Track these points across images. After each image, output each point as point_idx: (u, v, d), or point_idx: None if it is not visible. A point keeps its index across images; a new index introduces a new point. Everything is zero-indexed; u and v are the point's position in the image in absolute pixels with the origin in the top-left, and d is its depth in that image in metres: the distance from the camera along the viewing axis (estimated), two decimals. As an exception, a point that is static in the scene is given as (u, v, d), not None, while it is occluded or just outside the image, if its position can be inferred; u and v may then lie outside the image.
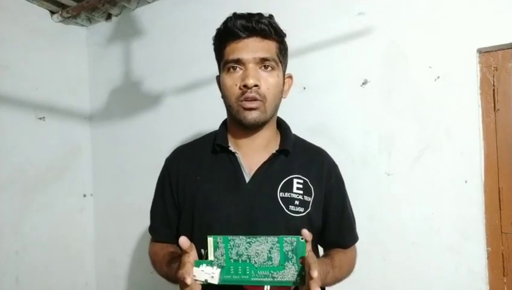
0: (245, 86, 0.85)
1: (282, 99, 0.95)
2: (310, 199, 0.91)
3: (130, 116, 1.98)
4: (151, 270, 1.91)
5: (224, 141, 0.94)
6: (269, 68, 0.88)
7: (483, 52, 1.23)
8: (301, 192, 0.90)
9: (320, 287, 0.80)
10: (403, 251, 1.32)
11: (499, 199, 1.21)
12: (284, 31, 0.93)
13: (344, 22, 1.43)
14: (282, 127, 1.00)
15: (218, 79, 0.95)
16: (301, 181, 0.91)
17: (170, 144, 1.84)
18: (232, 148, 0.93)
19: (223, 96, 0.92)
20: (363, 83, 1.40)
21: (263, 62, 0.87)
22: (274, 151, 0.92)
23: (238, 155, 0.92)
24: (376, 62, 1.38)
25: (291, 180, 0.91)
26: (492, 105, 1.22)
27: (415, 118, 1.32)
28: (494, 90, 1.22)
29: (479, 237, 1.21)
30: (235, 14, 0.90)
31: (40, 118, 1.91)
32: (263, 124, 0.91)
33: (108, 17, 2.06)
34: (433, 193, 1.28)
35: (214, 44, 0.95)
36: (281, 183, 0.90)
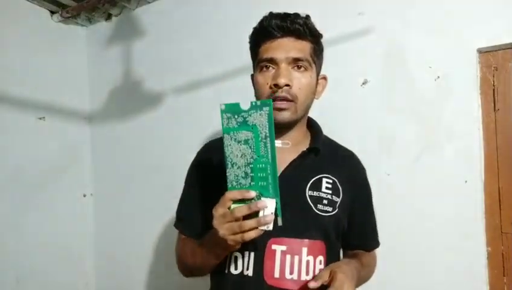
0: (276, 85, 0.84)
1: (315, 100, 0.96)
2: (338, 200, 0.91)
3: (130, 116, 1.98)
4: (151, 271, 1.92)
5: None
6: (302, 68, 0.87)
7: (483, 52, 1.23)
8: (330, 192, 0.90)
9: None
10: (403, 250, 1.32)
11: (499, 199, 1.21)
12: (320, 32, 0.93)
13: (344, 22, 1.43)
14: (313, 126, 1.00)
15: (253, 78, 0.95)
16: (330, 181, 0.91)
17: (170, 144, 1.85)
18: None
19: (255, 95, 0.92)
20: (363, 83, 1.40)
21: (296, 62, 0.87)
22: (304, 150, 0.92)
23: None
24: (376, 62, 1.38)
25: (320, 179, 0.90)
26: (492, 105, 1.22)
27: (415, 118, 1.32)
28: (494, 90, 1.22)
29: (479, 237, 1.21)
30: (271, 13, 0.90)
31: (40, 118, 1.91)
32: (293, 124, 0.91)
33: (108, 17, 2.06)
34: (433, 193, 1.28)
35: (249, 42, 0.95)
36: (310, 182, 0.89)
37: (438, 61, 1.28)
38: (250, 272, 0.84)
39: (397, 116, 1.34)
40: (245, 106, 0.71)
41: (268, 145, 0.71)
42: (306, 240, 0.85)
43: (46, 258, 1.89)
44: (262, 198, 0.71)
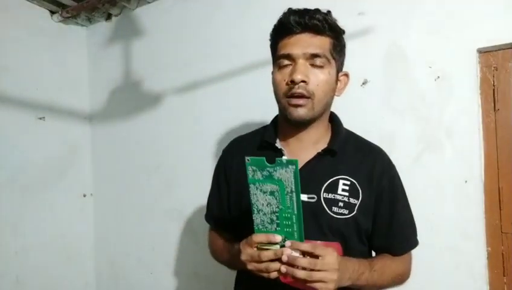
0: (292, 81, 0.83)
1: (336, 97, 0.94)
2: (357, 202, 0.88)
3: (130, 116, 1.98)
4: (151, 271, 1.92)
5: (270, 137, 0.94)
6: (320, 64, 0.85)
7: (483, 52, 1.23)
8: (347, 194, 0.87)
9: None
10: (403, 251, 1.32)
11: (499, 199, 1.21)
12: (342, 28, 0.91)
13: (344, 22, 1.43)
14: (334, 123, 0.98)
15: (272, 75, 0.93)
16: (348, 183, 0.88)
17: (170, 144, 1.85)
18: (278, 145, 0.92)
19: (274, 92, 0.91)
20: (363, 83, 1.40)
21: (314, 58, 0.85)
22: (320, 151, 0.90)
23: (284, 152, 0.91)
24: (376, 62, 1.38)
25: (336, 181, 0.88)
26: (492, 105, 1.22)
27: (415, 118, 1.32)
28: (494, 90, 1.22)
29: (479, 237, 1.21)
30: (290, 9, 0.88)
31: (40, 118, 1.91)
32: (311, 121, 0.89)
33: (108, 17, 2.06)
34: (433, 193, 1.28)
35: (269, 40, 0.94)
36: (325, 184, 0.87)
37: (438, 61, 1.28)
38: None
39: (397, 116, 1.34)
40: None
41: (294, 199, 0.72)
42: (319, 242, 0.82)
43: (46, 258, 1.89)
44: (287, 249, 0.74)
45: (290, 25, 0.85)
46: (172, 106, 1.85)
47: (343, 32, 0.92)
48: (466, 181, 1.23)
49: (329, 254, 0.73)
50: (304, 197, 0.84)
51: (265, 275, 0.75)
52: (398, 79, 1.35)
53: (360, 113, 1.41)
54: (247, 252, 0.76)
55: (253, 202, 0.75)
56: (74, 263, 2.02)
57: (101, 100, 2.09)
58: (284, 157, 0.75)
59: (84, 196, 2.09)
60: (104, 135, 2.09)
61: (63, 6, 1.94)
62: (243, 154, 0.95)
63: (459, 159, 1.24)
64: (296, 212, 0.73)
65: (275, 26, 0.90)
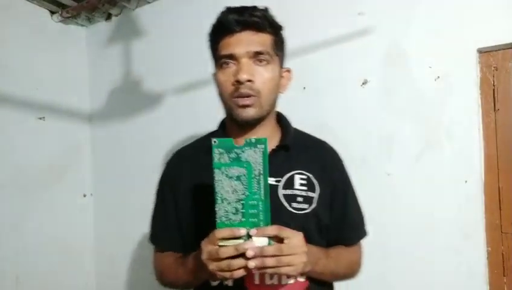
0: (238, 81, 0.82)
1: (281, 94, 0.92)
2: (315, 195, 0.88)
3: (130, 116, 1.98)
4: (150, 271, 1.91)
5: None
6: (264, 62, 0.85)
7: (483, 52, 1.23)
8: (305, 188, 0.87)
9: (314, 279, 0.84)
10: (403, 251, 1.32)
11: (499, 199, 1.21)
12: (280, 23, 0.90)
13: (344, 22, 1.43)
14: (282, 121, 0.97)
15: (214, 77, 0.92)
16: (304, 177, 0.88)
17: (170, 144, 1.85)
18: None
19: (218, 94, 0.90)
20: (363, 83, 1.40)
21: (257, 56, 0.84)
22: (274, 148, 0.89)
23: None
24: (376, 62, 1.38)
25: (292, 177, 0.88)
26: (492, 105, 1.22)
27: (415, 118, 1.32)
28: (494, 90, 1.22)
29: (479, 237, 1.21)
30: (228, 8, 0.87)
31: (40, 118, 1.91)
32: (260, 120, 0.88)
33: (108, 17, 2.05)
34: (433, 193, 1.28)
35: (208, 41, 0.92)
36: (283, 180, 0.87)
37: (438, 61, 1.28)
38: (230, 282, 0.82)
39: (397, 116, 1.34)
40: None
41: (262, 182, 0.70)
42: None
43: (46, 258, 1.89)
44: (254, 238, 0.70)
45: (229, 24, 0.84)
46: (172, 106, 1.85)
47: (282, 27, 0.90)
48: (466, 181, 1.23)
49: (295, 236, 0.72)
50: (271, 180, 0.83)
51: (227, 275, 0.70)
52: (398, 79, 1.35)
53: (360, 113, 1.41)
54: (207, 249, 0.71)
55: (217, 190, 0.71)
56: (74, 263, 2.02)
57: (101, 100, 2.09)
58: (253, 137, 0.71)
59: (84, 196, 2.09)
60: (104, 135, 2.09)
61: (63, 6, 1.94)
62: (192, 164, 0.93)
63: (459, 159, 1.24)
64: (263, 197, 0.70)
65: (214, 26, 0.89)
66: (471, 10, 1.22)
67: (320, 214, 0.88)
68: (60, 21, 2.00)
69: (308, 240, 0.77)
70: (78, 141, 2.08)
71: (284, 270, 0.70)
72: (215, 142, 0.71)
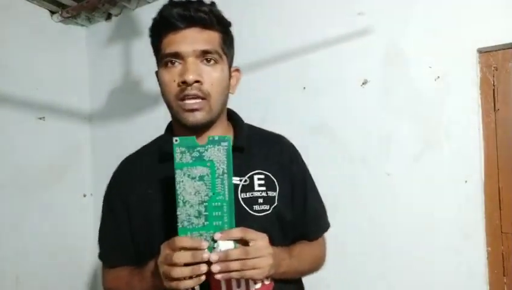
0: (184, 82, 0.75)
1: (230, 95, 0.87)
2: (275, 194, 0.83)
3: (130, 116, 1.98)
4: (151, 270, 1.92)
5: (170, 147, 0.80)
6: (212, 62, 0.78)
7: (483, 52, 1.23)
8: (264, 188, 0.82)
9: (280, 279, 0.79)
10: (403, 251, 1.32)
11: (499, 199, 1.21)
12: (228, 20, 0.83)
13: (344, 22, 1.43)
14: (234, 120, 0.91)
15: (157, 75, 0.85)
16: (262, 176, 0.83)
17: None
18: None
19: (162, 94, 0.83)
20: (363, 83, 1.40)
21: (205, 55, 0.77)
22: None
23: None
24: (376, 62, 1.38)
25: (251, 178, 0.83)
26: (492, 105, 1.22)
27: (414, 118, 1.32)
28: (494, 90, 1.22)
29: (479, 237, 1.21)
30: (171, 1, 0.79)
31: (40, 118, 1.91)
32: (210, 123, 0.81)
33: (108, 17, 2.06)
34: (433, 193, 1.28)
35: (150, 36, 0.84)
36: (241, 184, 0.81)
37: (438, 61, 1.28)
38: None
39: (397, 116, 1.34)
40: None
41: (226, 182, 0.67)
42: None
43: (46, 258, 1.89)
44: (219, 242, 0.66)
45: (173, 19, 0.76)
46: (172, 106, 1.84)
47: (230, 24, 0.84)
48: (466, 181, 1.23)
49: (261, 238, 0.68)
50: (235, 179, 0.79)
51: (173, 284, 0.64)
52: (397, 79, 1.35)
53: (359, 113, 1.41)
54: (164, 253, 0.66)
55: (179, 192, 0.66)
56: (74, 263, 2.02)
57: (101, 100, 2.09)
58: (216, 134, 0.68)
59: (84, 196, 2.09)
60: (104, 135, 2.09)
61: (63, 6, 1.94)
62: (141, 171, 0.87)
63: (459, 159, 1.24)
64: (227, 198, 0.67)
65: (156, 20, 0.81)
66: (471, 10, 1.22)
67: (283, 213, 0.84)
68: (60, 21, 2.00)
69: (272, 241, 0.72)
70: (78, 141, 2.08)
71: (249, 273, 0.66)
72: (176, 140, 0.67)
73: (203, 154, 0.67)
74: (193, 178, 0.67)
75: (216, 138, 0.67)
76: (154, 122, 1.92)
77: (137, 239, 0.85)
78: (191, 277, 0.64)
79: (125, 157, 0.97)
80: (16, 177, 1.79)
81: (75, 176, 2.06)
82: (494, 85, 1.22)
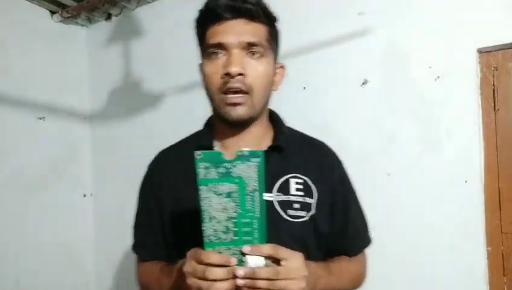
0: (227, 74, 0.72)
1: (273, 92, 0.84)
2: (312, 201, 0.79)
3: (130, 116, 1.98)
4: (151, 270, 1.92)
5: (207, 141, 0.82)
6: (257, 55, 0.75)
7: (483, 52, 1.23)
8: (301, 193, 0.79)
9: None
10: (403, 251, 1.32)
11: (499, 199, 1.21)
12: (275, 14, 0.81)
13: (344, 22, 1.43)
14: (274, 120, 0.88)
15: (200, 68, 0.82)
16: (300, 181, 0.80)
17: (170, 144, 1.84)
18: (216, 149, 0.82)
19: (204, 87, 0.80)
20: (363, 83, 1.40)
21: (250, 48, 0.74)
22: (265, 149, 0.79)
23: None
24: (376, 62, 1.38)
25: (287, 181, 0.79)
26: (492, 105, 1.22)
27: (414, 118, 1.32)
28: (494, 90, 1.22)
29: (479, 237, 1.21)
30: None
31: (40, 118, 1.91)
32: (251, 119, 0.78)
33: (108, 17, 2.05)
34: (433, 193, 1.28)
35: (195, 27, 0.82)
36: (276, 185, 0.78)
37: (438, 61, 1.28)
38: None
39: (397, 116, 1.34)
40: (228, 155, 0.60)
41: (257, 199, 0.61)
42: None
43: (46, 258, 1.89)
44: (248, 257, 0.61)
45: (219, 9, 0.74)
46: (172, 106, 1.85)
47: (277, 19, 0.81)
48: (466, 181, 1.23)
49: (294, 258, 0.62)
50: (268, 196, 0.75)
51: None
52: (398, 79, 1.35)
53: (360, 113, 1.41)
54: (191, 264, 0.61)
55: (204, 208, 0.61)
56: (74, 263, 2.02)
57: (101, 100, 2.09)
58: (246, 149, 0.61)
59: (84, 196, 2.09)
60: (104, 135, 2.09)
61: (63, 6, 1.94)
62: (177, 168, 0.85)
63: (459, 159, 1.24)
64: (258, 215, 0.61)
65: (201, 11, 0.79)
66: (471, 10, 1.22)
67: (320, 223, 0.79)
68: (60, 21, 2.00)
69: (307, 252, 0.68)
70: (78, 141, 2.08)
71: None
72: (199, 155, 0.60)
73: (231, 170, 0.60)
74: (220, 195, 0.61)
75: (246, 153, 0.60)
76: (154, 122, 1.92)
77: (167, 233, 0.84)
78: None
79: (161, 149, 0.96)
80: (16, 177, 1.79)
81: (75, 176, 2.06)
82: (494, 85, 1.22)
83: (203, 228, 0.62)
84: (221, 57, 0.75)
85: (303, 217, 0.77)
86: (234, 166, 0.60)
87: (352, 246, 0.86)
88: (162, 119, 1.88)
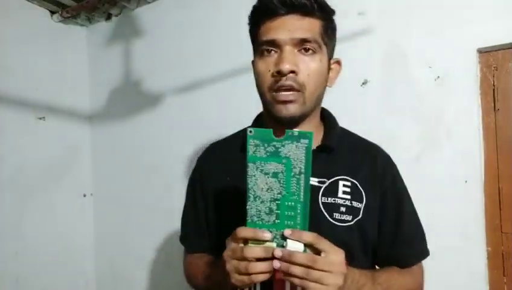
0: (279, 72, 0.71)
1: (328, 88, 0.81)
2: (361, 205, 0.76)
3: (130, 116, 1.98)
4: (151, 271, 1.92)
5: None
6: (310, 51, 0.73)
7: (483, 52, 1.23)
8: (348, 197, 0.76)
9: None
10: (403, 251, 1.32)
11: (499, 199, 1.21)
12: (332, 7, 0.77)
13: (344, 22, 1.43)
14: (326, 119, 0.86)
15: (253, 65, 0.80)
16: (348, 184, 0.77)
17: (170, 144, 1.85)
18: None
19: (256, 85, 0.79)
20: (363, 83, 1.40)
21: (303, 44, 0.72)
22: (314, 148, 0.77)
23: None
24: (376, 62, 1.38)
25: (335, 183, 0.77)
26: (492, 105, 1.22)
27: (415, 118, 1.32)
28: (494, 90, 1.22)
29: (479, 237, 1.21)
30: None
31: (40, 118, 1.91)
32: (302, 118, 0.76)
33: (108, 17, 2.06)
34: (433, 193, 1.28)
35: (248, 24, 0.80)
36: (323, 187, 0.76)
37: (438, 61, 1.28)
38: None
39: (397, 116, 1.34)
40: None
41: (302, 182, 0.61)
42: None
43: (46, 258, 1.89)
44: (288, 241, 0.60)
45: (273, 4, 0.72)
46: (172, 106, 1.85)
47: (334, 12, 0.78)
48: (466, 181, 1.23)
49: (335, 252, 0.60)
50: (313, 181, 0.73)
51: (245, 278, 0.60)
52: (398, 79, 1.35)
53: (360, 113, 1.41)
54: (231, 247, 0.62)
55: (250, 186, 0.62)
56: (74, 263, 2.02)
57: (101, 100, 2.09)
58: (296, 130, 0.60)
59: (84, 196, 2.09)
60: (104, 135, 2.09)
61: (63, 6, 1.94)
62: (223, 161, 0.85)
63: (459, 159, 1.24)
64: (302, 199, 0.61)
65: (255, 7, 0.77)
66: (471, 10, 1.22)
67: (367, 228, 0.77)
68: (60, 21, 2.00)
69: (351, 258, 0.67)
70: (78, 141, 2.08)
71: (312, 286, 0.58)
72: (251, 132, 0.61)
73: (280, 149, 0.61)
74: (266, 174, 0.61)
75: (296, 134, 0.60)
76: (154, 122, 1.92)
77: (211, 225, 0.84)
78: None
79: (210, 143, 0.96)
80: (16, 177, 1.79)
81: (75, 176, 2.06)
82: (494, 85, 1.22)
83: (247, 207, 0.63)
84: (273, 54, 0.74)
85: (348, 221, 0.75)
86: (283, 145, 0.60)
87: (403, 256, 0.82)
88: (162, 119, 1.88)
